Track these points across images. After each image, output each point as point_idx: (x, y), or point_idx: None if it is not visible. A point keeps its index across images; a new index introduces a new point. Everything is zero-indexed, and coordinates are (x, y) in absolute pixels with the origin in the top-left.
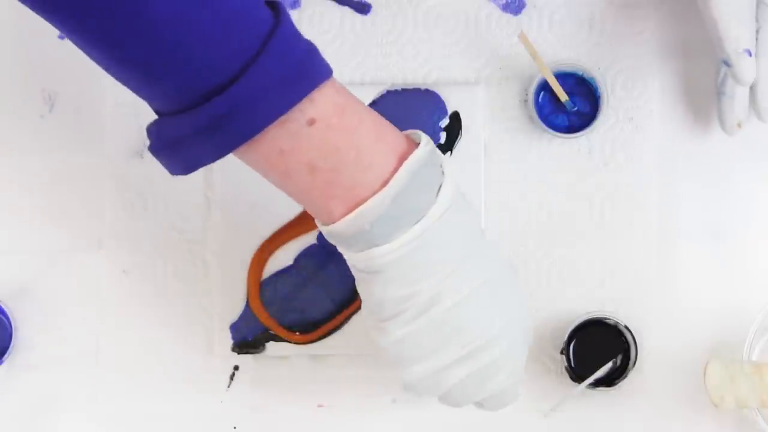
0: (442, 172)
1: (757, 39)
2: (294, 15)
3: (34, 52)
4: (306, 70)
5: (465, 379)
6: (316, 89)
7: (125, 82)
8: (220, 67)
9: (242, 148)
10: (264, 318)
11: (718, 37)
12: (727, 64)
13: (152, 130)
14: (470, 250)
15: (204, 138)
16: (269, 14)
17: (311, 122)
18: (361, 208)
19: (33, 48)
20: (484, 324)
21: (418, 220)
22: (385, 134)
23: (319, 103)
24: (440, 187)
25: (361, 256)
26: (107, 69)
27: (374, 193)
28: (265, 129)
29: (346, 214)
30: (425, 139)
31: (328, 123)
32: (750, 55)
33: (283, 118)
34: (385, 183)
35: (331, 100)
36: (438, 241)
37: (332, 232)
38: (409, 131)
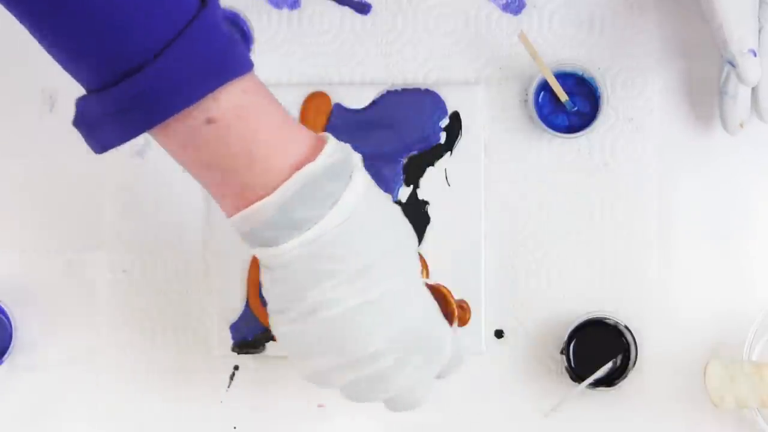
0: (348, 183)
1: (759, 39)
2: (294, 15)
3: (34, 52)
4: (217, 65)
5: (352, 383)
6: (222, 87)
7: (52, 55)
8: (136, 49)
9: (152, 132)
10: (264, 318)
11: (723, 38)
12: (731, 64)
13: (77, 104)
14: (371, 261)
15: (113, 119)
16: (196, 3)
17: (210, 121)
18: (245, 211)
19: (33, 48)
20: (367, 339)
21: (308, 229)
22: (285, 141)
23: (222, 102)
24: (340, 197)
25: (254, 249)
26: (39, 42)
27: (262, 199)
28: (166, 120)
29: (235, 213)
30: (328, 151)
31: (227, 124)
32: (754, 55)
33: (184, 112)
34: (275, 190)
35: (235, 100)
36: (329, 251)
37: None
38: (324, 135)
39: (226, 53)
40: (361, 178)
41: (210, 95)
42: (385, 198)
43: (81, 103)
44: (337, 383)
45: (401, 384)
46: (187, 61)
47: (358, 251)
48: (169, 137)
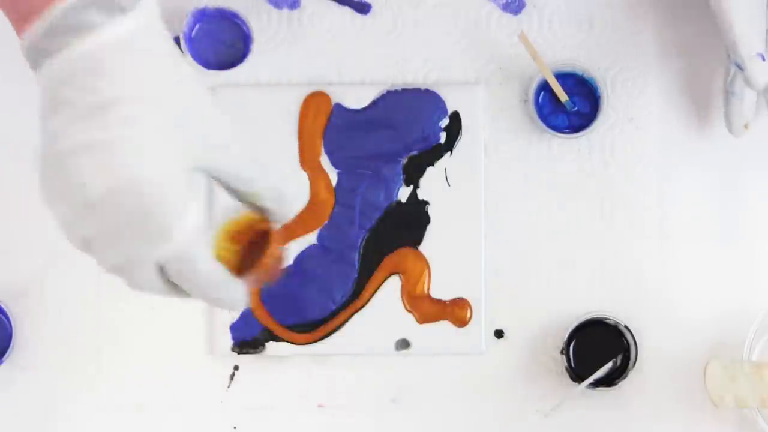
0: (99, 25)
1: (767, 41)
2: (294, 15)
3: None
4: None
5: (84, 239)
6: None
7: None
8: None
9: None
10: (264, 318)
11: (732, 40)
12: (740, 67)
13: None
14: (110, 101)
15: None
16: None
17: None
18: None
19: None
20: (83, 184)
21: (48, 57)
22: None
23: None
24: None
25: None
26: None
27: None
28: None
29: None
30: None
31: None
32: (763, 59)
33: None
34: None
35: None
36: (71, 82)
37: None
38: None
39: None
40: (127, 24)
41: None
42: (165, 53)
43: None
44: (79, 232)
45: (113, 256)
46: None
47: (98, 86)
48: None
